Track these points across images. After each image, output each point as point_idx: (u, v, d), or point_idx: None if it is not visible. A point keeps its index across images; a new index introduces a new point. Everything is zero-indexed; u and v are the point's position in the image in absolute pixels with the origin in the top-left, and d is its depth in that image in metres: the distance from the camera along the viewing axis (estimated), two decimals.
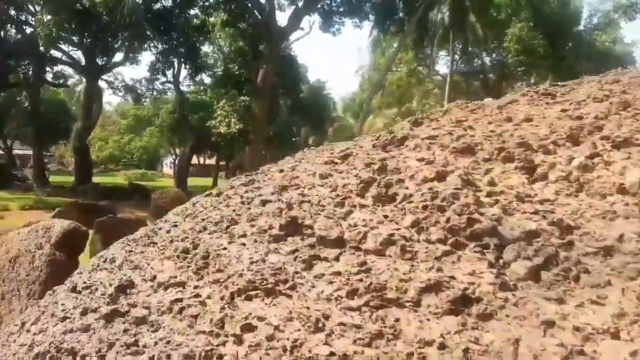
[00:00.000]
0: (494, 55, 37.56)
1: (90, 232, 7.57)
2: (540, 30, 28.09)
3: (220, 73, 35.79)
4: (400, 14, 29.05)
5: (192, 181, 31.16)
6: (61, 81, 40.98)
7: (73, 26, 27.73)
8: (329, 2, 28.05)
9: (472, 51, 34.20)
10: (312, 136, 71.14)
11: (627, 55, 31.09)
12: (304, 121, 49.85)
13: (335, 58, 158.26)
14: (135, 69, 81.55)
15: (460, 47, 34.21)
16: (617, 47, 30.51)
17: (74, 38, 30.60)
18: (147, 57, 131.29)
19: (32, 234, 5.90)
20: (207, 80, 39.36)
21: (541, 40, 27.95)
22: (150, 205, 7.82)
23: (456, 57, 34.70)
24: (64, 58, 33.06)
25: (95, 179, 34.36)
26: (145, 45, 31.15)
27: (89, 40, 30.15)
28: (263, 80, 24.82)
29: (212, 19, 30.01)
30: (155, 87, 35.30)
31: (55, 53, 33.61)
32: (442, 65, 39.20)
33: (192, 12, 29.62)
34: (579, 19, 31.53)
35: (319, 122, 47.08)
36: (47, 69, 36.55)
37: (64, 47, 31.77)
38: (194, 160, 44.70)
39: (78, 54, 33.68)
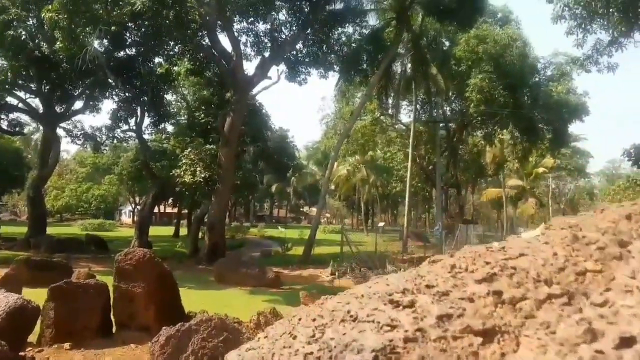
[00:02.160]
0: (454, 105, 38.74)
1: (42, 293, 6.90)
2: (500, 81, 29.13)
3: (184, 121, 35.43)
4: (365, 65, 29.59)
5: (152, 230, 30.09)
6: (17, 129, 39.60)
7: (31, 73, 26.96)
8: (295, 52, 28.33)
9: (434, 101, 35.15)
10: (276, 184, 71.23)
11: (581, 105, 32.56)
12: (268, 169, 49.79)
13: (298, 107, 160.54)
14: (96, 117, 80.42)
15: (422, 97, 35.22)
16: (571, 97, 31.93)
17: (32, 85, 29.74)
18: (108, 104, 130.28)
19: None
20: (170, 128, 38.96)
21: (501, 90, 28.95)
22: (114, 268, 7.12)
23: (418, 106, 35.60)
24: (21, 105, 32.00)
25: (50, 230, 32.79)
26: (107, 93, 30.53)
27: (47, 87, 29.35)
28: (230, 129, 24.50)
29: (176, 68, 29.82)
30: (116, 135, 34.45)
31: (11, 100, 32.56)
32: (405, 114, 40.12)
33: (156, 60, 29.36)
34: (535, 70, 33.00)
35: (283, 170, 47.05)
36: (2, 116, 35.32)
37: (20, 94, 30.79)
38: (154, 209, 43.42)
39: (35, 101, 32.79)
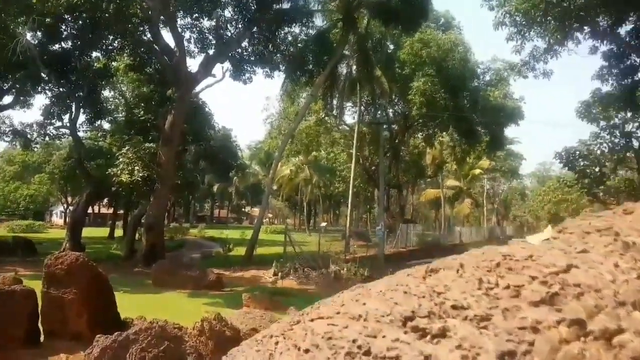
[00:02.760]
0: (397, 107, 39.42)
1: None
2: (441, 84, 29.89)
3: (122, 118, 34.15)
4: (310, 66, 29.56)
5: (85, 231, 28.80)
6: None
7: None
8: (240, 51, 27.92)
9: (377, 103, 35.62)
10: (218, 183, 70.00)
11: (516, 110, 34.01)
12: (210, 168, 48.83)
13: (241, 106, 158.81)
14: (26, 113, 76.28)
15: (366, 98, 35.62)
16: (508, 102, 33.27)
17: None
18: (40, 100, 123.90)
19: None
20: (107, 126, 37.45)
21: (443, 94, 29.71)
22: (43, 273, 6.65)
23: (362, 108, 35.97)
24: None
25: None
26: (39, 88, 28.93)
27: None
28: (171, 127, 23.73)
29: (114, 63, 28.66)
30: (48, 132, 32.72)
31: None
32: (349, 115, 40.44)
33: (93, 54, 28.11)
34: (475, 75, 34.14)
35: (225, 170, 46.27)
36: None
37: None
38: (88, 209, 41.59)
39: None
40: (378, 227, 25.06)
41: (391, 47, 35.53)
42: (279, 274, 18.32)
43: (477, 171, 55.16)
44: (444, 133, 38.17)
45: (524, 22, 21.91)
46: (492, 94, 32.74)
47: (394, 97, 36.57)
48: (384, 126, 36.49)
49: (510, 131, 36.31)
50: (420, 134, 40.09)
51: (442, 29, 34.37)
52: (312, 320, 1.34)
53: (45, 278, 6.61)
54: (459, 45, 32.15)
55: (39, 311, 6.68)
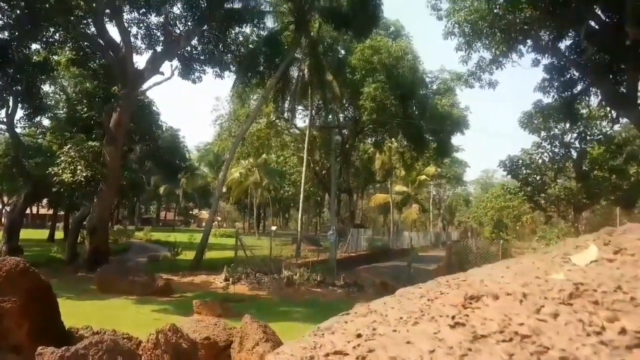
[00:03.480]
0: (346, 112, 39.66)
1: None
2: (392, 91, 30.28)
3: (64, 115, 32.60)
4: (262, 67, 29.28)
5: (23, 233, 27.27)
6: None
7: None
8: (190, 49, 27.28)
9: (329, 107, 35.68)
10: (164, 185, 68.25)
11: (462, 119, 34.97)
12: (156, 169, 47.53)
13: (190, 106, 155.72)
14: None
15: (318, 102, 35.63)
16: (454, 111, 34.15)
17: None
18: None
19: None
20: (46, 122, 35.64)
21: (393, 100, 30.11)
22: None
23: (313, 111, 35.94)
24: None
25: None
26: None
27: None
28: (116, 125, 22.81)
29: (55, 57, 27.32)
30: None
31: None
32: (300, 119, 40.33)
33: (33, 47, 26.67)
34: (424, 84, 34.85)
35: (173, 171, 45.18)
36: None
37: None
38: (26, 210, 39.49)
39: None
40: (330, 232, 25.03)
41: (342, 52, 35.73)
42: (230, 279, 17.89)
43: (424, 177, 56.39)
44: (393, 139, 38.72)
45: (471, 33, 22.49)
46: (440, 102, 33.52)
47: (344, 101, 36.80)
48: (335, 130, 36.63)
49: (455, 139, 37.35)
50: (370, 139, 40.48)
51: (392, 37, 34.88)
52: (327, 355, 1.14)
53: None
54: (408, 54, 32.73)
55: None
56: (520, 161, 27.25)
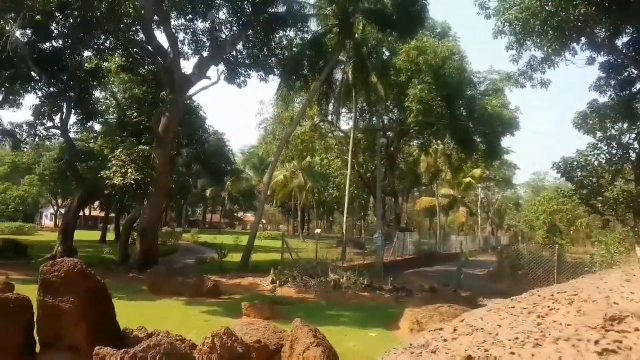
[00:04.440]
0: (391, 114, 39.27)
1: None
2: (438, 92, 29.73)
3: (114, 120, 33.67)
4: (306, 71, 29.31)
5: (77, 235, 28.22)
6: None
7: None
8: (235, 54, 27.60)
9: (373, 109, 35.42)
10: (211, 188, 69.50)
11: (513, 120, 33.94)
12: (203, 173, 48.42)
13: (234, 109, 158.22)
14: (16, 113, 75.45)
15: (362, 105, 35.42)
16: (504, 112, 33.20)
17: None
18: (30, 99, 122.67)
19: None
20: (98, 127, 36.91)
21: (439, 101, 29.55)
22: (39, 280, 6.24)
23: (358, 114, 35.73)
24: None
25: None
26: (30, 88, 28.39)
27: None
28: (165, 129, 23.29)
29: (106, 64, 28.19)
30: (39, 132, 32.10)
31: None
32: (344, 121, 40.24)
33: (85, 54, 27.64)
34: (472, 84, 34.07)
35: (219, 174, 45.89)
36: None
37: None
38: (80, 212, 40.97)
39: None
40: (376, 235, 24.72)
41: (387, 53, 35.38)
42: (277, 282, 17.90)
43: (471, 180, 55.16)
44: (440, 141, 38.06)
45: (522, 32, 21.80)
46: (490, 103, 32.63)
47: (389, 104, 36.44)
48: (380, 133, 36.30)
49: (505, 141, 36.23)
50: (416, 141, 39.95)
51: (439, 38, 34.30)
52: None
53: (41, 286, 6.19)
54: (455, 54, 32.06)
55: (35, 321, 6.25)
56: (575, 163, 26.07)
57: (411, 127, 34.93)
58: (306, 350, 6.32)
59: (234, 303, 13.66)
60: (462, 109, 32.47)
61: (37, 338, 6.37)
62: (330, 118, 37.54)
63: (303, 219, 73.13)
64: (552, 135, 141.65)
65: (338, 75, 32.40)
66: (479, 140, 34.38)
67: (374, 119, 37.79)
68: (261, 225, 75.26)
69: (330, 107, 34.37)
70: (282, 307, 13.07)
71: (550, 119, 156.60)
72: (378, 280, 19.15)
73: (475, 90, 34.65)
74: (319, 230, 30.94)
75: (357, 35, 30.24)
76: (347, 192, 33.13)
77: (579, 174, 26.28)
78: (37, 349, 6.35)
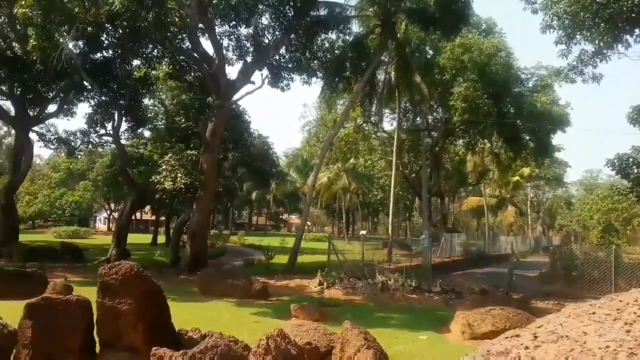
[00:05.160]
0: (435, 113, 38.73)
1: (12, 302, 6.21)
2: (484, 90, 29.11)
3: (162, 126, 34.59)
4: (348, 72, 29.29)
5: (129, 238, 29.15)
6: None
7: (2, 74, 25.85)
8: (278, 58, 27.86)
9: (417, 109, 35.01)
10: (256, 191, 70.42)
11: (563, 116, 32.82)
12: (248, 176, 49.12)
13: (277, 112, 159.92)
14: (70, 121, 78.85)
15: (405, 105, 35.08)
16: (554, 108, 32.15)
17: (3, 86, 28.57)
18: (82, 108, 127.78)
19: None
20: (147, 133, 38.03)
21: (485, 99, 28.93)
22: (98, 283, 6.47)
23: (401, 114, 35.40)
24: None
25: (22, 237, 31.59)
26: (82, 97, 29.59)
27: (19, 89, 28.19)
28: (212, 134, 23.82)
29: (154, 71, 28.99)
30: (91, 139, 33.38)
31: None
32: (387, 122, 40.00)
33: (134, 63, 28.53)
34: (519, 81, 33.19)
35: (264, 177, 46.41)
36: None
37: None
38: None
39: (7, 104, 31.57)
40: (422, 236, 24.42)
41: (430, 52, 34.91)
42: (324, 283, 17.94)
43: (519, 179, 53.71)
44: (486, 140, 37.23)
45: (572, 25, 21.04)
46: (539, 99, 31.66)
47: (433, 103, 35.95)
48: (424, 133, 35.88)
49: (555, 138, 34.89)
50: (462, 140, 39.22)
51: (484, 35, 33.59)
52: None
53: (99, 288, 6.42)
54: (501, 50, 31.31)
55: (94, 322, 6.49)
56: (631, 160, 24.98)
57: (456, 126, 34.33)
58: (357, 353, 6.29)
59: (282, 304, 13.77)
60: (509, 106, 31.67)
61: (96, 339, 6.60)
62: (373, 119, 37.39)
63: (347, 220, 73.09)
64: (604, 131, 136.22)
65: (380, 76, 32.23)
66: (527, 137, 33.45)
67: (418, 118, 37.35)
68: (306, 227, 75.89)
69: (373, 107, 34.20)
70: (330, 308, 13.08)
71: (604, 114, 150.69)
72: (426, 282, 18.90)
73: (522, 86, 33.71)
74: (364, 232, 30.70)
75: (399, 35, 29.98)
76: (391, 192, 32.87)
77: (635, 171, 25.16)
78: (97, 349, 6.58)
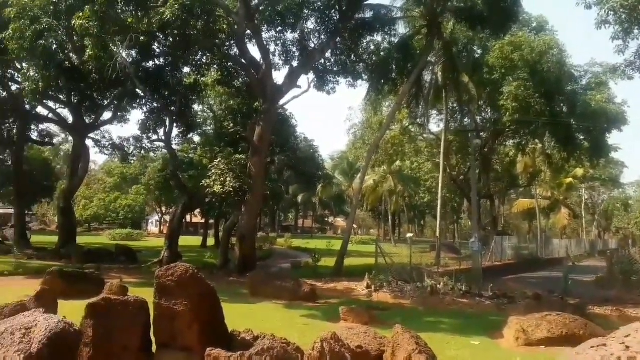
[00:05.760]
0: (484, 114, 37.89)
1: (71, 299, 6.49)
2: (536, 89, 28.30)
3: (212, 131, 35.35)
4: (394, 74, 29.07)
5: (180, 240, 29.90)
6: (46, 139, 40.19)
7: (60, 83, 27.10)
8: (323, 61, 27.97)
9: (465, 109, 34.36)
10: (302, 194, 70.91)
11: (620, 115, 31.45)
12: (294, 179, 49.57)
13: (322, 116, 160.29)
14: (123, 127, 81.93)
15: (452, 106, 34.48)
16: (610, 106, 30.88)
17: (61, 95, 29.91)
18: (135, 115, 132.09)
19: (6, 339, 4.65)
20: (196, 138, 38.97)
21: (537, 98, 28.10)
22: (154, 284, 6.68)
23: (448, 115, 34.81)
24: (50, 116, 32.32)
25: (79, 239, 32.96)
26: (135, 104, 30.62)
27: (76, 97, 29.45)
28: (260, 138, 24.19)
29: (203, 78, 29.65)
30: (144, 145, 34.53)
31: (41, 110, 32.93)
32: (434, 123, 39.46)
33: (184, 70, 29.31)
34: (572, 79, 32.06)
35: (310, 180, 46.72)
36: (32, 126, 35.80)
37: (50, 104, 31.01)
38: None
39: (65, 112, 33.04)
40: (472, 240, 23.91)
41: (478, 51, 34.21)
42: (372, 286, 17.85)
43: (572, 180, 51.82)
44: (538, 140, 36.12)
45: (629, 19, 20.15)
46: (594, 97, 30.46)
47: (482, 103, 35.20)
48: (473, 134, 35.19)
49: (610, 137, 33.39)
50: (512, 141, 38.20)
51: (535, 33, 32.64)
52: None
53: (156, 289, 6.62)
54: (553, 48, 30.36)
55: (151, 322, 6.70)
56: None
57: (506, 127, 33.46)
58: (408, 358, 6.22)
59: (330, 307, 13.79)
60: (562, 105, 30.67)
61: (153, 339, 6.80)
62: (419, 120, 36.96)
63: (394, 223, 72.50)
64: None
65: (427, 77, 31.81)
66: (581, 137, 32.24)
67: (466, 119, 36.64)
68: (353, 230, 75.82)
69: (420, 109, 33.80)
70: (378, 312, 13.01)
71: None
72: (476, 286, 18.49)
73: (576, 84, 32.53)
74: (411, 234, 30.22)
75: (445, 35, 29.54)
76: (439, 195, 32.38)
77: None
78: (154, 349, 6.78)
